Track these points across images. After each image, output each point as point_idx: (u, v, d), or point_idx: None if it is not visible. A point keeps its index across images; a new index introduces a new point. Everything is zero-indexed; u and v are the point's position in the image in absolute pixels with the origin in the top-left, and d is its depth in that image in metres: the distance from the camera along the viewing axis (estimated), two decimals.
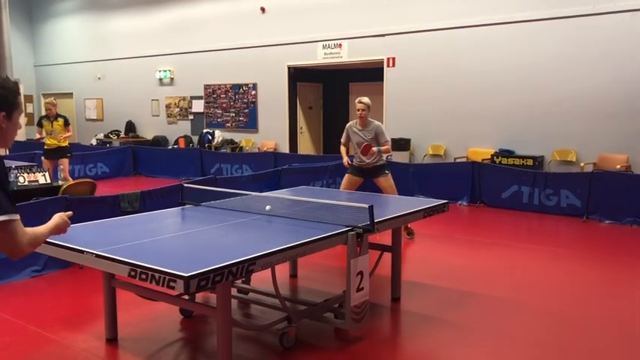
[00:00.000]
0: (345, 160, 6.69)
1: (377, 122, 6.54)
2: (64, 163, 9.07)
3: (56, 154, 9.07)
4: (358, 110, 6.40)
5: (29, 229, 2.23)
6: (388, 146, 6.53)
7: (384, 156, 6.64)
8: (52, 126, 9.00)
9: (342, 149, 6.84)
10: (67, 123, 9.07)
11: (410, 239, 6.66)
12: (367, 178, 6.67)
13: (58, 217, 2.44)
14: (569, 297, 4.88)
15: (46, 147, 9.13)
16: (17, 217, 2.14)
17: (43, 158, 9.22)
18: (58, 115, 9.05)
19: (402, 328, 4.38)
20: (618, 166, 8.93)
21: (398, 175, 7.67)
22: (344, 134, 6.70)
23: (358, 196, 5.45)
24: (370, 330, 4.09)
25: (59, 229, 2.43)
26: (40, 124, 9.22)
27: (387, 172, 6.54)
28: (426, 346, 3.93)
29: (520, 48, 10.14)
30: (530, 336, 4.03)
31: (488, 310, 4.56)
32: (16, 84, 2.25)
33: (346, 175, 6.72)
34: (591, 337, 4.03)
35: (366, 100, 6.41)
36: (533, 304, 4.65)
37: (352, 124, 6.60)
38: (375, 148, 6.36)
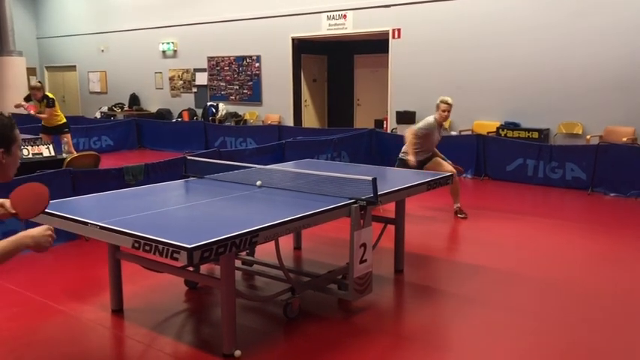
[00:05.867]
0: (413, 160, 6.32)
1: None
2: (67, 137, 9.02)
3: (55, 130, 9.02)
4: (444, 111, 6.35)
5: None
6: None
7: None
8: (40, 107, 8.94)
9: (415, 146, 6.42)
10: (49, 104, 8.90)
11: (462, 217, 6.59)
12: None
13: (35, 233, 2.10)
14: (574, 269, 4.89)
15: (43, 123, 9.07)
16: None
17: (40, 133, 9.10)
18: (43, 97, 8.93)
19: (405, 300, 4.42)
20: (624, 139, 8.86)
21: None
22: (425, 130, 6.40)
23: (362, 169, 5.44)
24: (373, 301, 4.12)
25: (38, 245, 2.10)
26: (28, 99, 9.15)
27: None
28: (428, 317, 3.96)
29: (526, 19, 9.99)
30: (533, 307, 4.06)
31: (492, 282, 4.58)
32: (10, 118, 2.18)
33: None
34: (595, 308, 4.04)
35: (451, 100, 6.43)
36: (537, 276, 4.67)
37: (435, 122, 6.43)
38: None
